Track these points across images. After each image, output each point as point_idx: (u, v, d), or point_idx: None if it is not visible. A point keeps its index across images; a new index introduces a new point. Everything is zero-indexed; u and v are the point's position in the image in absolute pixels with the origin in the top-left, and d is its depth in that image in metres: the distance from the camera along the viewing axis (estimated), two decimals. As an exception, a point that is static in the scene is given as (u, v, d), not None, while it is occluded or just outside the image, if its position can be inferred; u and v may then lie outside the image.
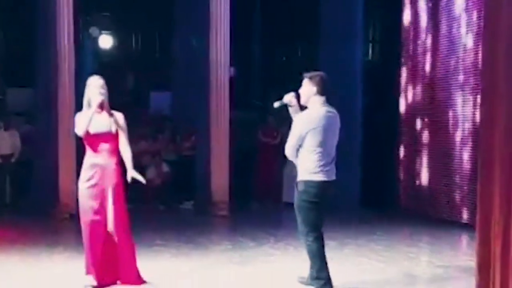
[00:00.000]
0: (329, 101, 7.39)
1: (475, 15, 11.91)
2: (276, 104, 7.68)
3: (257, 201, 14.87)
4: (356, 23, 14.21)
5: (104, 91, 7.51)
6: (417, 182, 13.60)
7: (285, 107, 7.69)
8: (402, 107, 14.01)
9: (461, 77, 12.32)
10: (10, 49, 16.41)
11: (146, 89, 17.67)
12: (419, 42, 13.55)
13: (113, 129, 7.52)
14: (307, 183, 7.24)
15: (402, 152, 14.10)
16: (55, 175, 12.41)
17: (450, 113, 12.63)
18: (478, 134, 8.98)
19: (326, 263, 7.32)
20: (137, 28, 18.05)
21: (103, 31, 17.36)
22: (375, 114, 14.40)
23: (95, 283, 7.46)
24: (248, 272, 8.56)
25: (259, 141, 15.09)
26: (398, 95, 14.07)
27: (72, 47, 12.58)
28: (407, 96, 13.90)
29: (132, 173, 7.67)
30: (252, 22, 17.30)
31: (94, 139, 7.49)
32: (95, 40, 17.23)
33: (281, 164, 14.04)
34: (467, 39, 12.14)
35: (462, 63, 12.29)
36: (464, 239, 11.26)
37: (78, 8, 12.91)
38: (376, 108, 14.45)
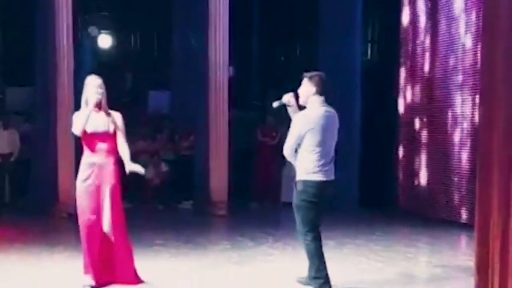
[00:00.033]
0: (328, 101, 7.41)
1: (474, 15, 11.92)
2: (275, 104, 7.70)
3: (255, 201, 14.88)
4: (355, 22, 14.21)
5: (101, 90, 7.51)
6: (416, 182, 13.61)
7: (284, 107, 7.70)
8: (401, 107, 14.02)
9: (460, 77, 12.33)
10: (9, 48, 16.40)
11: (145, 89, 17.66)
12: (418, 42, 13.56)
13: (111, 129, 7.52)
14: (306, 182, 7.25)
15: (401, 152, 14.11)
16: (54, 174, 12.42)
17: (449, 113, 12.64)
18: (477, 135, 8.99)
19: (324, 263, 7.33)
20: (136, 28, 18.04)
21: (102, 31, 17.35)
22: (374, 114, 14.40)
23: (93, 282, 7.46)
24: (247, 272, 8.56)
25: (258, 141, 15.10)
26: (397, 95, 14.09)
27: (71, 46, 12.59)
28: (406, 96, 13.91)
29: (130, 167, 7.63)
30: (251, 21, 17.29)
31: (92, 139, 7.49)
32: (94, 40, 17.22)
33: (280, 164, 14.05)
34: (466, 39, 12.15)
35: (461, 63, 12.30)
36: (463, 239, 11.26)
37: (77, 7, 12.91)
38: (375, 108, 14.44)
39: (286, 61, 18.19)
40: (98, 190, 7.44)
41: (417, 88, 13.59)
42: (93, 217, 7.40)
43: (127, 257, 7.64)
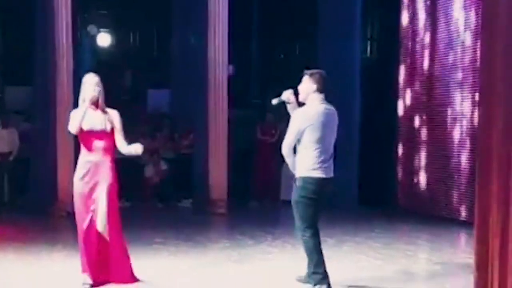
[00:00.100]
0: (328, 99, 7.42)
1: (473, 12, 11.92)
2: (274, 101, 7.71)
3: (255, 199, 14.88)
4: (355, 21, 14.21)
5: (99, 88, 7.49)
6: (415, 180, 13.61)
7: (283, 104, 7.70)
8: (400, 105, 14.02)
9: (459, 75, 12.33)
10: (8, 47, 16.38)
11: (144, 87, 17.65)
12: (417, 40, 13.56)
13: (108, 127, 7.50)
14: (305, 179, 7.26)
15: (400, 150, 14.11)
16: (53, 173, 12.41)
17: (448, 111, 12.64)
18: (476, 132, 8.98)
19: (323, 258, 7.33)
20: (135, 26, 18.01)
21: (101, 29, 17.34)
22: (374, 112, 14.40)
23: (90, 281, 7.45)
24: (246, 270, 8.56)
25: (258, 139, 15.10)
26: (397, 93, 14.08)
27: (70, 45, 12.58)
28: (405, 94, 13.91)
29: (128, 148, 7.59)
30: (251, 19, 17.28)
31: (88, 136, 7.48)
32: (93, 38, 17.21)
33: (279, 163, 14.03)
34: (465, 37, 12.14)
35: (460, 61, 12.30)
36: (463, 237, 11.27)
37: (76, 6, 12.90)
38: (375, 106, 14.44)
39: (286, 60, 18.17)
40: (94, 188, 7.43)
41: (417, 86, 13.59)
42: (90, 215, 7.39)
43: (123, 256, 7.61)
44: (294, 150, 7.39)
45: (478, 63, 10.88)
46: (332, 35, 14.16)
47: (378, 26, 15.74)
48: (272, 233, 11.03)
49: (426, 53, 13.28)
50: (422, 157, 13.44)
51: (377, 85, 14.56)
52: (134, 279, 7.70)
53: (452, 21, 12.54)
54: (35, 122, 13.74)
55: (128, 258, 7.69)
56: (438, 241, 10.75)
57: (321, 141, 7.24)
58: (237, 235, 10.93)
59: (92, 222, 7.39)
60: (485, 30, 6.05)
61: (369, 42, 15.83)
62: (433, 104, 13.08)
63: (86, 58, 16.64)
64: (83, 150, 7.55)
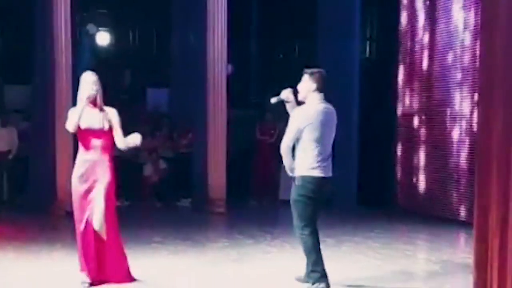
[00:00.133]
0: (326, 99, 7.43)
1: (472, 12, 11.92)
2: (273, 100, 7.72)
3: (254, 199, 14.88)
4: (354, 20, 14.21)
5: (96, 87, 7.48)
6: (415, 179, 13.61)
7: (282, 103, 7.71)
8: (400, 105, 14.02)
9: (458, 75, 12.33)
10: (7, 46, 16.37)
11: (144, 86, 17.64)
12: (416, 39, 13.56)
13: (106, 126, 7.48)
14: (305, 178, 7.27)
15: (399, 150, 14.11)
16: (53, 172, 12.41)
17: (448, 111, 12.64)
18: (476, 132, 8.98)
19: (321, 257, 7.34)
20: (134, 25, 18.00)
21: (100, 28, 17.33)
22: (373, 112, 14.40)
23: (89, 280, 7.45)
24: (245, 270, 8.56)
25: (256, 139, 15.11)
26: (396, 93, 14.09)
27: (70, 44, 12.57)
28: (405, 94, 13.91)
29: (127, 141, 7.58)
30: (250, 18, 17.28)
31: (86, 135, 7.46)
32: (92, 37, 17.20)
33: (278, 162, 14.03)
34: (465, 37, 12.14)
35: (459, 60, 12.30)
36: (462, 237, 11.28)
37: (75, 5, 12.88)
38: (374, 106, 14.44)
39: (285, 59, 18.17)
40: (92, 187, 7.41)
41: (416, 86, 13.59)
42: (88, 214, 7.38)
43: (119, 256, 7.58)
44: (293, 150, 7.40)
45: (477, 63, 10.88)
46: (331, 35, 14.17)
47: (377, 26, 15.73)
48: (271, 233, 11.03)
49: (425, 53, 13.29)
50: (421, 157, 13.44)
51: (376, 85, 14.56)
52: (130, 279, 7.68)
53: (451, 21, 12.54)
54: (35, 121, 13.73)
55: (125, 257, 7.67)
56: (437, 241, 10.75)
57: (320, 140, 7.26)
58: (236, 235, 10.93)
59: (89, 222, 7.37)
60: (484, 30, 6.06)
61: (368, 42, 15.83)
62: (432, 104, 13.08)
63: (85, 57, 16.63)
64: (81, 148, 7.54)
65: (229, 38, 13.24)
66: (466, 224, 11.28)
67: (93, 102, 7.48)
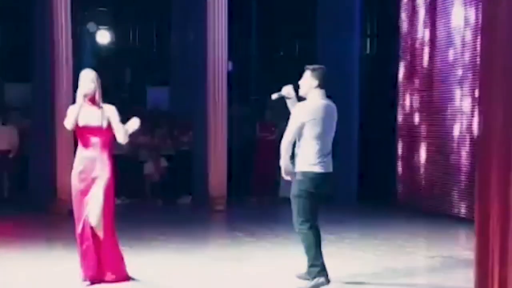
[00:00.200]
0: (327, 95, 7.45)
1: (473, 9, 11.90)
2: (274, 96, 7.73)
3: (254, 196, 14.88)
4: (354, 17, 14.20)
5: (95, 84, 7.44)
6: (415, 176, 13.61)
7: (282, 99, 7.71)
8: (400, 102, 14.02)
9: (459, 72, 12.32)
10: (7, 44, 16.38)
11: (144, 85, 17.65)
12: (417, 36, 13.55)
13: (104, 124, 7.44)
14: (305, 173, 7.30)
15: (400, 146, 14.11)
16: (53, 170, 12.40)
17: (448, 108, 12.63)
18: (476, 128, 8.97)
19: (321, 252, 7.35)
20: (134, 24, 18.01)
21: (100, 27, 17.33)
22: (373, 109, 14.41)
23: (88, 278, 7.44)
24: (246, 268, 8.55)
25: (257, 136, 15.11)
26: (396, 89, 14.08)
27: (70, 42, 12.57)
28: (405, 91, 13.90)
29: (125, 128, 7.56)
30: (250, 16, 17.27)
31: (84, 132, 7.44)
32: (92, 36, 17.20)
33: (278, 160, 14.03)
34: (466, 33, 12.13)
35: (460, 57, 12.29)
36: (462, 233, 11.27)
37: (76, 3, 12.88)
38: (374, 103, 14.45)
39: (285, 57, 18.16)
40: (91, 185, 7.38)
41: (416, 82, 13.58)
42: (86, 213, 7.36)
43: (115, 254, 7.53)
44: (293, 146, 7.41)
45: (478, 60, 10.87)
46: (331, 32, 14.16)
47: (377, 23, 15.73)
48: (271, 230, 11.03)
49: (426, 50, 13.27)
50: (422, 154, 13.43)
51: (377, 81, 14.56)
52: (126, 278, 7.63)
53: (452, 18, 12.52)
54: (35, 119, 13.73)
55: (121, 256, 7.62)
56: (437, 237, 10.76)
57: (322, 136, 7.28)
58: (236, 232, 10.93)
59: (86, 220, 7.34)
60: (485, 27, 6.04)
61: (368, 39, 15.83)
62: (433, 101, 13.07)
63: (86, 56, 16.64)
64: (79, 146, 7.52)
65: (229, 35, 13.24)
66: (466, 221, 11.28)
67: (92, 100, 7.45)
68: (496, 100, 5.71)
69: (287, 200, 7.67)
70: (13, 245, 9.75)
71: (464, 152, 12.23)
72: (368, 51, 15.76)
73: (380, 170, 14.27)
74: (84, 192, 7.39)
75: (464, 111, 12.22)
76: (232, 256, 9.24)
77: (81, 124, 7.41)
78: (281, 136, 7.47)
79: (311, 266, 7.37)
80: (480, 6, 10.86)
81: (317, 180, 7.29)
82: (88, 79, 7.47)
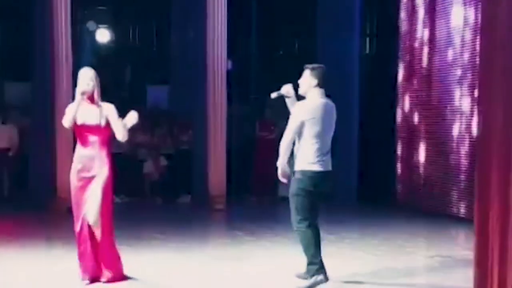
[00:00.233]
0: (326, 94, 7.46)
1: (472, 9, 11.91)
2: (274, 95, 7.73)
3: (254, 195, 14.88)
4: (354, 17, 14.21)
5: (93, 82, 7.43)
6: (415, 176, 13.61)
7: (282, 98, 7.72)
8: (400, 101, 14.02)
9: (458, 71, 12.33)
10: (7, 42, 16.37)
11: (143, 83, 17.65)
12: (416, 36, 13.55)
13: (102, 122, 7.42)
14: (304, 172, 7.32)
15: (399, 146, 14.11)
16: (53, 168, 12.41)
17: (448, 107, 12.63)
18: (476, 128, 8.98)
19: (320, 250, 7.36)
20: (134, 22, 18.01)
21: (100, 25, 17.33)
22: (373, 109, 14.40)
23: (88, 276, 7.44)
24: (245, 267, 8.55)
25: (256, 135, 15.11)
26: (396, 89, 14.08)
27: (70, 41, 12.57)
28: (405, 91, 13.90)
29: (124, 122, 7.54)
30: (250, 15, 17.27)
31: (82, 131, 7.43)
32: (92, 34, 17.20)
33: (277, 159, 14.03)
34: (465, 33, 12.13)
35: (459, 57, 12.30)
36: (462, 233, 11.27)
37: (76, 2, 12.88)
38: (374, 103, 14.45)
39: (285, 56, 18.16)
40: (90, 182, 7.37)
41: (416, 82, 13.58)
42: (84, 211, 7.35)
43: (112, 254, 7.52)
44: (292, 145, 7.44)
45: (477, 60, 10.87)
46: (331, 32, 14.17)
47: (377, 23, 15.72)
48: (271, 229, 11.03)
49: (425, 49, 13.27)
50: (421, 153, 13.44)
51: (376, 81, 14.56)
52: (123, 277, 7.61)
53: (451, 17, 12.52)
54: (35, 118, 13.73)
55: (118, 256, 7.60)
56: (437, 237, 10.76)
57: (321, 135, 7.30)
58: (236, 231, 10.93)
59: (84, 219, 7.33)
60: (485, 27, 6.05)
61: (368, 39, 15.82)
62: (432, 101, 13.07)
63: (85, 54, 16.63)
64: (78, 144, 7.51)
65: (229, 34, 13.24)
66: (466, 220, 11.28)
67: (91, 98, 7.44)
68: (495, 100, 5.71)
69: (287, 199, 7.67)
70: (13, 243, 9.75)
71: (464, 152, 12.23)
72: (367, 51, 15.75)
73: (380, 170, 14.27)
74: (83, 191, 7.38)
75: (463, 111, 12.22)
76: (232, 255, 9.24)
77: (79, 122, 7.39)
78: (281, 135, 7.48)
79: (309, 264, 7.38)
80: (479, 6, 10.86)
81: (316, 179, 7.30)
82: (86, 77, 7.45)
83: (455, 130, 12.44)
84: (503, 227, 5.61)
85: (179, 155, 14.91)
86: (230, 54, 13.73)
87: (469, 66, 12.00)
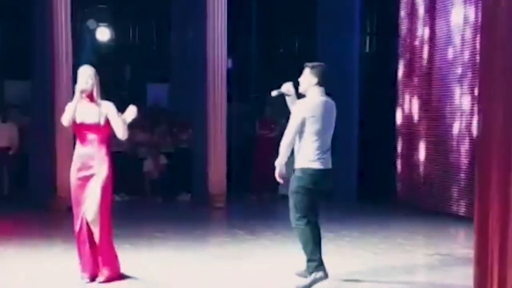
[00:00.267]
0: (326, 92, 7.47)
1: (472, 7, 11.90)
2: (274, 93, 7.74)
3: (254, 194, 14.88)
4: (354, 15, 14.20)
5: (92, 81, 7.41)
6: (415, 174, 13.61)
7: (282, 96, 7.73)
8: (400, 100, 14.02)
9: (459, 70, 12.32)
10: (7, 41, 16.37)
11: (143, 82, 17.65)
12: (416, 34, 13.54)
13: (101, 121, 7.40)
14: (304, 170, 7.33)
15: (399, 144, 14.11)
16: (53, 167, 12.41)
17: (448, 106, 12.63)
18: (476, 127, 8.98)
19: (319, 248, 7.36)
20: (134, 21, 18.01)
21: (100, 24, 17.32)
22: (373, 107, 14.40)
23: (87, 275, 7.43)
24: (245, 265, 8.56)
25: (256, 133, 15.11)
26: (396, 87, 14.08)
27: (70, 39, 12.57)
28: (405, 89, 13.90)
29: (125, 115, 7.54)
30: (250, 13, 17.27)
31: (81, 129, 7.41)
32: (92, 33, 17.19)
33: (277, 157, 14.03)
34: (465, 32, 12.13)
35: (460, 55, 12.29)
36: (462, 231, 11.27)
37: (75, 0, 12.87)
38: (373, 101, 14.45)
39: (285, 54, 18.17)
40: (90, 181, 7.35)
41: (416, 80, 13.58)
42: (84, 209, 7.35)
43: (110, 253, 7.50)
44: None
45: (477, 58, 10.87)
46: (331, 30, 14.17)
47: (377, 21, 15.73)
48: (271, 228, 11.03)
49: (425, 47, 13.27)
50: (422, 152, 13.44)
51: (376, 80, 14.56)
52: (120, 276, 7.58)
53: (451, 16, 12.52)
54: (35, 116, 13.73)
55: (115, 254, 7.58)
56: (437, 236, 10.76)
57: (321, 133, 7.32)
58: (236, 230, 10.93)
59: (84, 218, 7.32)
60: (485, 26, 6.05)
61: (368, 37, 15.82)
62: (432, 99, 13.07)
63: (86, 53, 16.62)
64: (77, 142, 7.50)
65: (229, 33, 13.24)
66: (466, 219, 11.28)
67: (90, 96, 7.43)
68: (495, 99, 5.71)
69: (287, 198, 7.67)
70: (13, 242, 9.74)
71: (464, 150, 12.23)
72: (367, 49, 15.76)
73: (379, 169, 14.27)
74: (82, 189, 7.37)
75: (463, 109, 12.22)
76: (232, 253, 9.24)
77: (78, 121, 7.38)
78: (281, 134, 7.48)
79: (308, 261, 7.39)
80: (479, 4, 10.85)
81: (316, 177, 7.31)
82: (85, 76, 7.43)
83: (455, 128, 12.44)
84: (503, 226, 5.61)
85: (179, 153, 14.91)
86: (230, 52, 13.73)
87: (469, 65, 11.99)
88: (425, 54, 13.27)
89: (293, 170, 7.44)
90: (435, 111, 12.98)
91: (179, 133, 15.18)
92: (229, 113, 13.55)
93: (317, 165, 7.31)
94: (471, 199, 11.17)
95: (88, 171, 7.38)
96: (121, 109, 7.66)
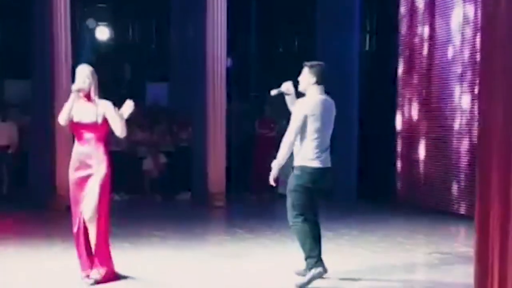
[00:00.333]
0: (326, 91, 7.48)
1: (472, 5, 11.90)
2: (273, 92, 7.74)
3: (253, 193, 14.88)
4: (354, 14, 14.19)
5: (89, 80, 7.38)
6: (415, 173, 13.61)
7: (281, 95, 7.73)
8: (399, 98, 14.01)
9: (458, 68, 12.32)
10: (7, 41, 16.37)
11: (143, 81, 17.65)
12: (416, 32, 13.54)
13: (99, 119, 7.38)
14: (303, 168, 7.34)
15: (399, 143, 14.10)
16: (53, 166, 12.40)
17: (448, 105, 12.63)
18: (476, 125, 8.97)
19: (318, 245, 7.36)
20: (134, 20, 18.02)
21: (100, 23, 17.32)
22: (372, 106, 14.40)
23: (87, 274, 7.41)
24: (245, 264, 8.55)
25: (256, 133, 15.11)
26: (395, 86, 14.08)
27: (69, 38, 12.56)
28: (404, 87, 13.90)
29: (120, 111, 7.51)
30: (249, 12, 17.27)
31: (78, 128, 7.40)
32: (92, 32, 17.19)
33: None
34: (465, 30, 12.12)
35: (459, 54, 12.29)
36: (462, 230, 11.27)
37: (75, -1, 12.90)
38: (373, 100, 14.44)
39: (284, 53, 18.17)
40: (88, 180, 7.33)
41: (416, 79, 13.58)
42: (82, 208, 7.32)
43: (105, 252, 7.46)
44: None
45: (477, 57, 10.87)
46: (331, 28, 14.16)
47: (377, 19, 15.73)
48: (270, 227, 11.03)
49: (425, 46, 13.27)
50: (421, 151, 13.43)
51: (376, 78, 14.56)
52: (115, 276, 7.54)
53: (451, 14, 12.52)
54: (34, 116, 13.73)
55: (110, 254, 7.53)
56: (437, 235, 10.75)
57: (321, 131, 7.33)
58: (235, 229, 10.94)
59: (81, 217, 7.30)
60: (485, 26, 6.04)
61: (368, 35, 15.82)
62: (432, 98, 13.07)
63: (85, 52, 16.62)
64: (75, 141, 7.49)
65: (229, 32, 13.23)
66: (466, 218, 11.28)
67: (87, 96, 7.40)
68: (496, 98, 5.71)
69: (285, 197, 7.67)
70: (12, 241, 9.74)
71: (464, 149, 12.23)
72: (367, 48, 15.76)
73: (379, 167, 14.27)
74: (81, 188, 7.34)
75: (463, 108, 12.22)
76: (231, 252, 9.24)
77: (75, 120, 7.37)
78: (281, 133, 7.48)
79: (307, 258, 7.39)
80: (479, 2, 10.86)
81: (315, 175, 7.32)
82: (83, 75, 7.41)
83: (455, 127, 12.44)
84: (503, 224, 5.60)
85: (179, 152, 14.91)
86: (230, 51, 13.72)
87: (469, 63, 11.99)
88: (425, 53, 13.27)
89: (292, 168, 7.44)
90: (435, 110, 12.98)
91: (178, 132, 15.18)
92: (228, 112, 13.55)
93: (316, 164, 7.32)
94: (471, 197, 11.18)
95: (86, 170, 7.36)
96: (121, 108, 7.64)
